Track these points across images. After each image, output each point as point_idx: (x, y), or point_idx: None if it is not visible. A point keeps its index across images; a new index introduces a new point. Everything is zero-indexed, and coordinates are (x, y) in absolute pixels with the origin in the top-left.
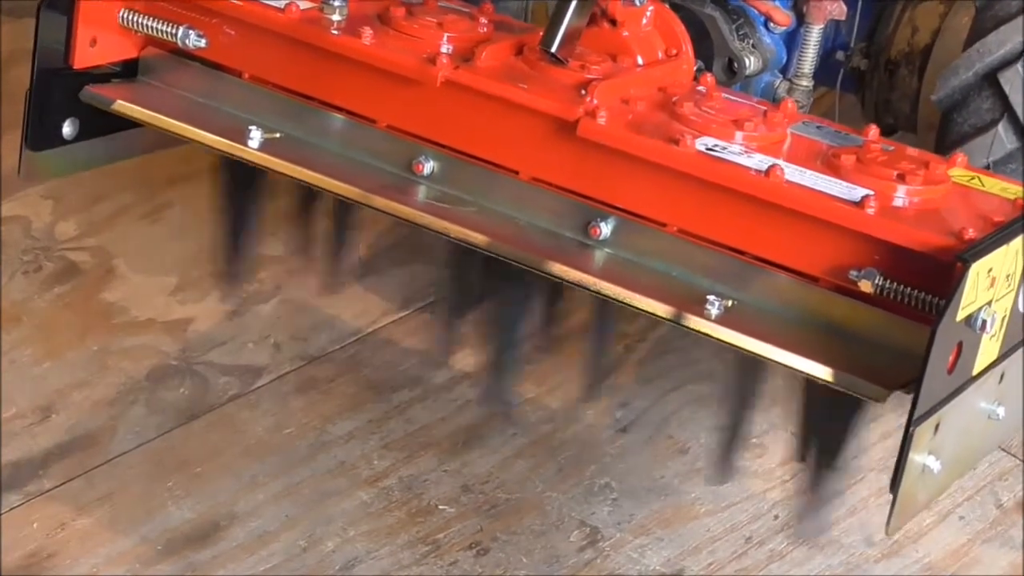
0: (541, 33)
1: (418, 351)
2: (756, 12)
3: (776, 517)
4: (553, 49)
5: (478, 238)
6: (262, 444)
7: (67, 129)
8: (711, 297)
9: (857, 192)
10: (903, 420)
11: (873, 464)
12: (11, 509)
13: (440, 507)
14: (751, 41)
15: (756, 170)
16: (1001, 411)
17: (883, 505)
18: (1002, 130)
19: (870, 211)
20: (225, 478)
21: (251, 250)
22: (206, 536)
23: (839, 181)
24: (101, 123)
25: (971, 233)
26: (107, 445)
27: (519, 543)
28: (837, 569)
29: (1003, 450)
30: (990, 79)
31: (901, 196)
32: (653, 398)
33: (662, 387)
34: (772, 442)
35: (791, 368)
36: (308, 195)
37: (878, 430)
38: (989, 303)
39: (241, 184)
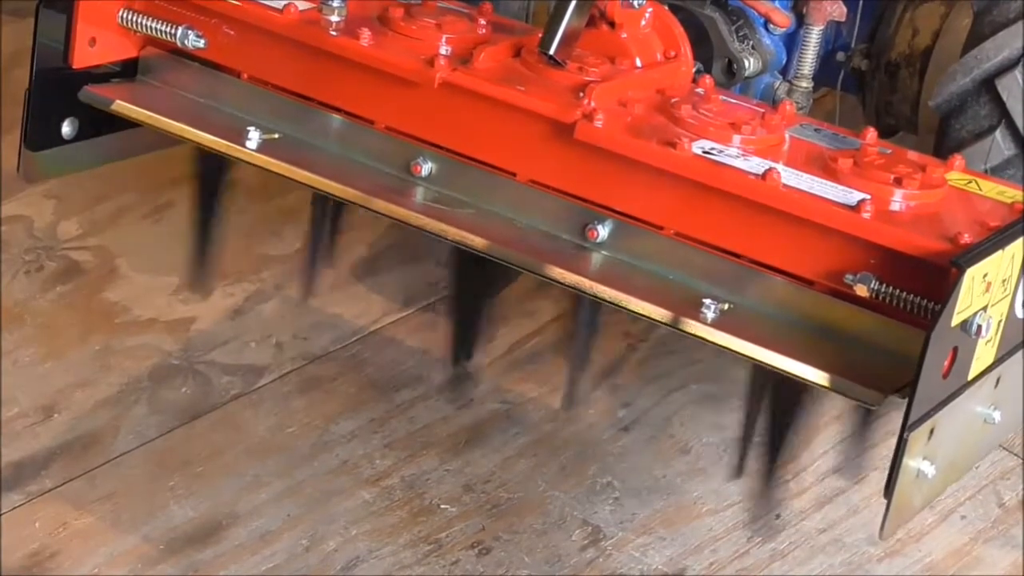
0: (539, 35)
1: (420, 350)
2: (756, 13)
3: (778, 516)
4: (551, 51)
5: (475, 240)
6: (264, 444)
7: (66, 129)
8: (707, 300)
9: (853, 196)
10: None
11: (876, 463)
12: (13, 508)
13: (442, 506)
14: (751, 42)
15: (753, 173)
16: (997, 415)
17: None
18: (999, 136)
19: (866, 215)
20: (227, 477)
21: None
22: (208, 535)
23: (836, 185)
24: (100, 123)
25: (967, 238)
26: (109, 444)
27: (521, 542)
28: (839, 568)
29: (1005, 449)
30: (988, 85)
31: (897, 200)
32: (655, 398)
33: (664, 387)
34: None
35: (786, 372)
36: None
37: (882, 429)
38: (985, 308)
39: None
